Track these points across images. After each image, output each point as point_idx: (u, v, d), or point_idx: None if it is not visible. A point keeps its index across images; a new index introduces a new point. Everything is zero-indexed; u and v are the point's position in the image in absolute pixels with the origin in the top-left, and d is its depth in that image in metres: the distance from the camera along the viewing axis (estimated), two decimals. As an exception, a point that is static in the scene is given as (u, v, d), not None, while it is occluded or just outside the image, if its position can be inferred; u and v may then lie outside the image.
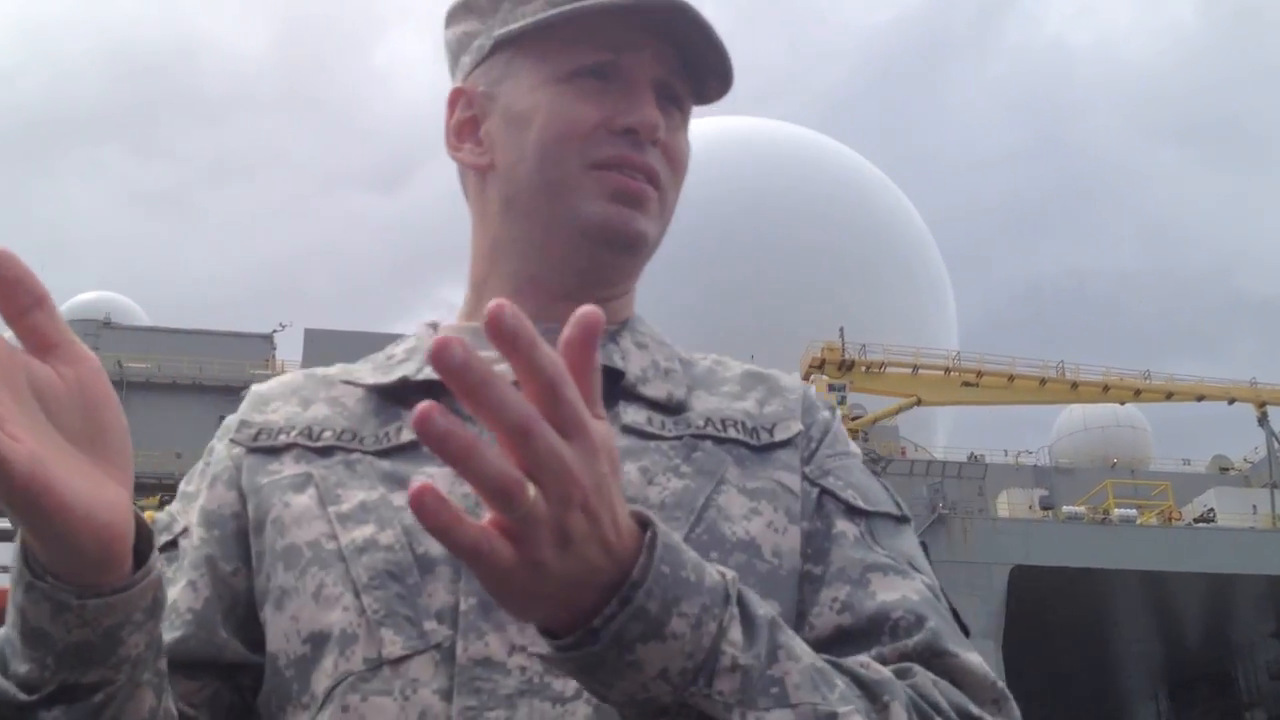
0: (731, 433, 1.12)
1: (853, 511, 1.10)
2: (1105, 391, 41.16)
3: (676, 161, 1.18)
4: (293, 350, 42.95)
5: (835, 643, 1.00)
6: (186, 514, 1.14)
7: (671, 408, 1.13)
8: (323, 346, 40.84)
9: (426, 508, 0.69)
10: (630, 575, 0.77)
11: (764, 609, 0.86)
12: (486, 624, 0.97)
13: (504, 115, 1.17)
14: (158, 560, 0.88)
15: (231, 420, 1.20)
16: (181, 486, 1.18)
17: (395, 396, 1.13)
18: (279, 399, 1.19)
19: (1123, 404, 42.67)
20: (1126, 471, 42.22)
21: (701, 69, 1.17)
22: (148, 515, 1.12)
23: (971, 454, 41.89)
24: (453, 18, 1.25)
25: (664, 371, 1.17)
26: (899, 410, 39.67)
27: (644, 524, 0.80)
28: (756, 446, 1.11)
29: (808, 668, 0.85)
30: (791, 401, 1.18)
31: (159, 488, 37.48)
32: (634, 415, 1.11)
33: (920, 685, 0.93)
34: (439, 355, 0.67)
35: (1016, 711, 0.99)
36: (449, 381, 0.68)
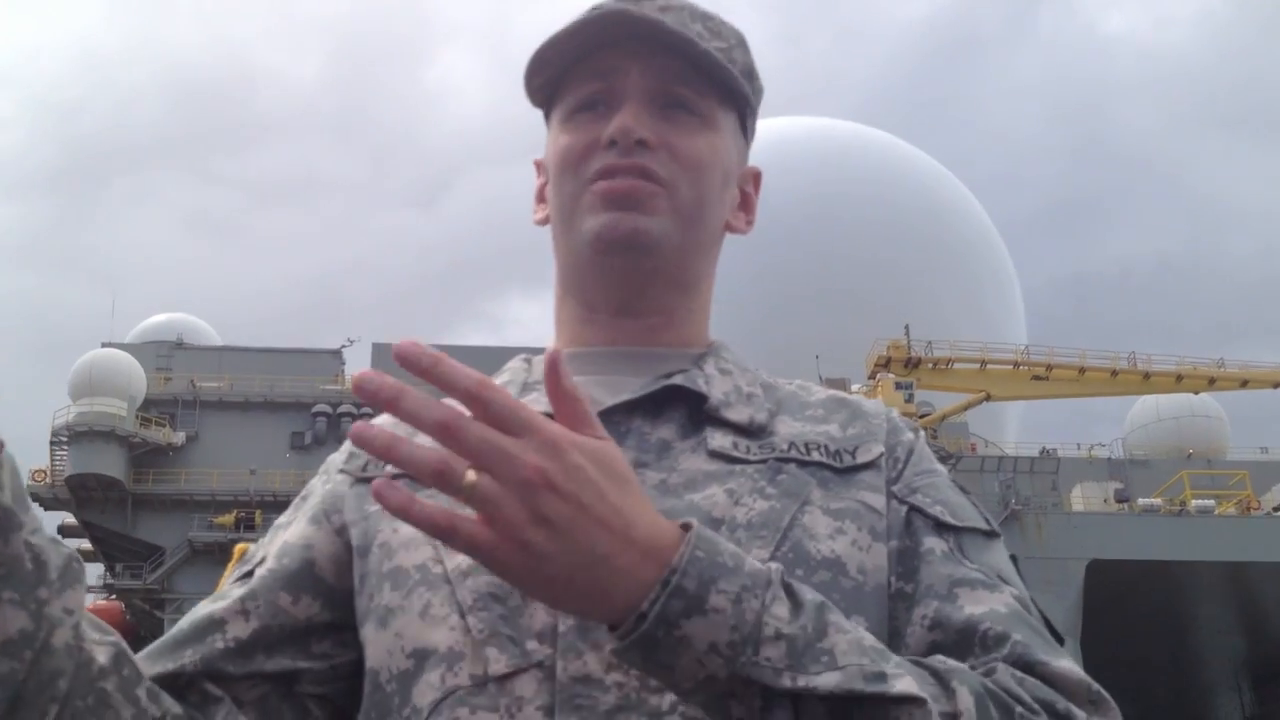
0: (815, 455, 1.15)
1: (941, 527, 1.12)
2: (1179, 381, 40.52)
3: (686, 160, 1.19)
4: (361, 365, 43.35)
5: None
6: (270, 545, 1.21)
7: (753, 431, 1.16)
8: (390, 361, 41.02)
9: (383, 495, 0.82)
10: (670, 564, 0.88)
11: (813, 595, 0.93)
12: (584, 643, 1.01)
13: (549, 170, 1.27)
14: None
15: (336, 458, 1.27)
16: (277, 520, 1.25)
17: None
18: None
19: (1197, 393, 41.98)
20: (1203, 462, 41.57)
21: (708, 66, 1.19)
22: (239, 548, 1.21)
23: (1043, 448, 41.41)
24: None
25: (746, 396, 1.20)
26: (968, 406, 39.31)
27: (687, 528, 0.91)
28: (839, 469, 1.15)
29: (857, 640, 0.92)
30: (874, 425, 1.21)
31: (234, 504, 37.98)
32: (720, 440, 1.14)
33: (1000, 679, 0.95)
34: (358, 388, 0.81)
35: (1117, 713, 1.00)
36: (373, 405, 0.83)
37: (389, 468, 1.05)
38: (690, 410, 1.17)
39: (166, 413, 39.57)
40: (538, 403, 1.15)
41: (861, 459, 1.16)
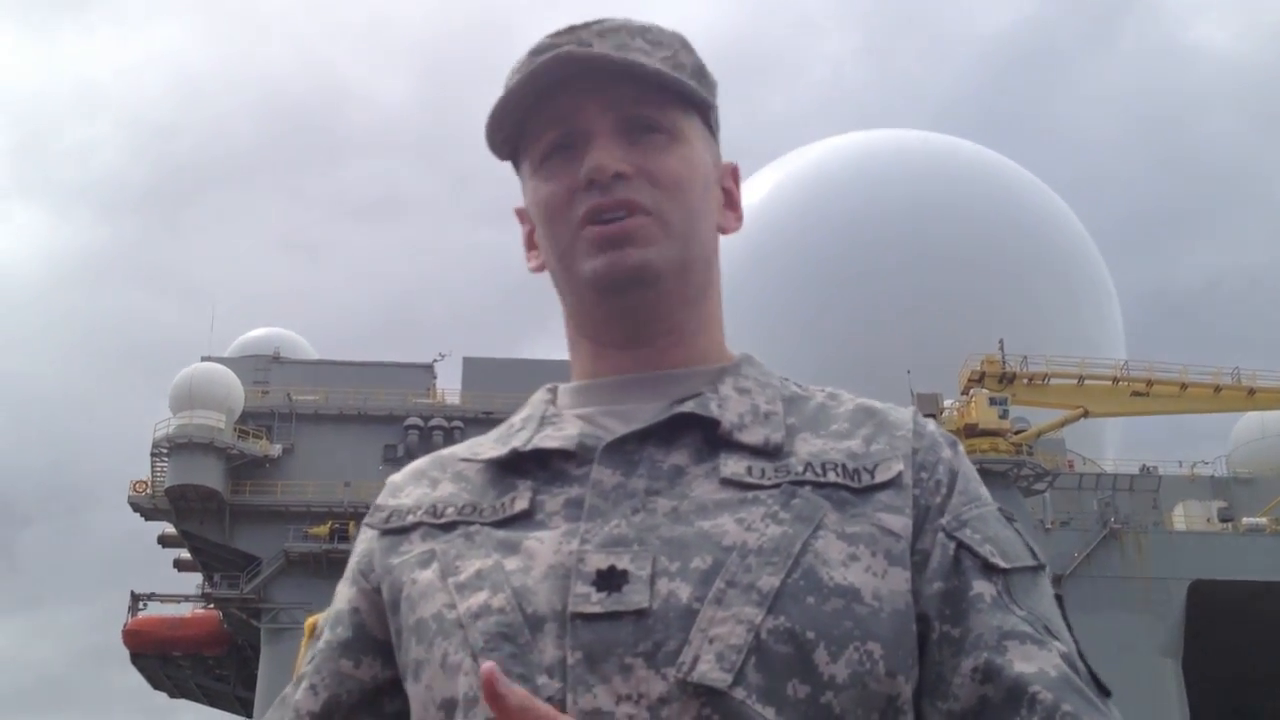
0: (831, 476, 1.13)
1: (989, 569, 1.12)
2: (1285, 397, 39.50)
3: (663, 181, 1.20)
4: (452, 378, 43.80)
5: (977, 714, 1.05)
6: (328, 615, 1.26)
7: (769, 452, 1.15)
8: (481, 374, 41.53)
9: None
10: None
11: None
12: (593, 676, 1.01)
13: (534, 219, 1.28)
14: None
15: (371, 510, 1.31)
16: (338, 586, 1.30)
17: (510, 467, 1.20)
18: (410, 484, 1.27)
19: (1304, 410, 40.87)
20: (1311, 480, 40.39)
21: (661, 83, 1.22)
22: (309, 622, 1.25)
23: (1143, 466, 40.62)
24: None
25: (763, 415, 1.19)
26: (1065, 423, 38.67)
27: None
28: (857, 489, 1.13)
29: None
30: (898, 439, 1.18)
31: (329, 515, 38.54)
32: (734, 466, 1.14)
33: None
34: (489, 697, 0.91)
35: None
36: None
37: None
38: (705, 434, 1.16)
39: (263, 425, 40.29)
40: (550, 439, 1.19)
41: (880, 478, 1.14)
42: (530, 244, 1.33)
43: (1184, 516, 37.61)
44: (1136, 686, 28.39)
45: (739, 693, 1.00)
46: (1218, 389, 39.11)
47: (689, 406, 1.17)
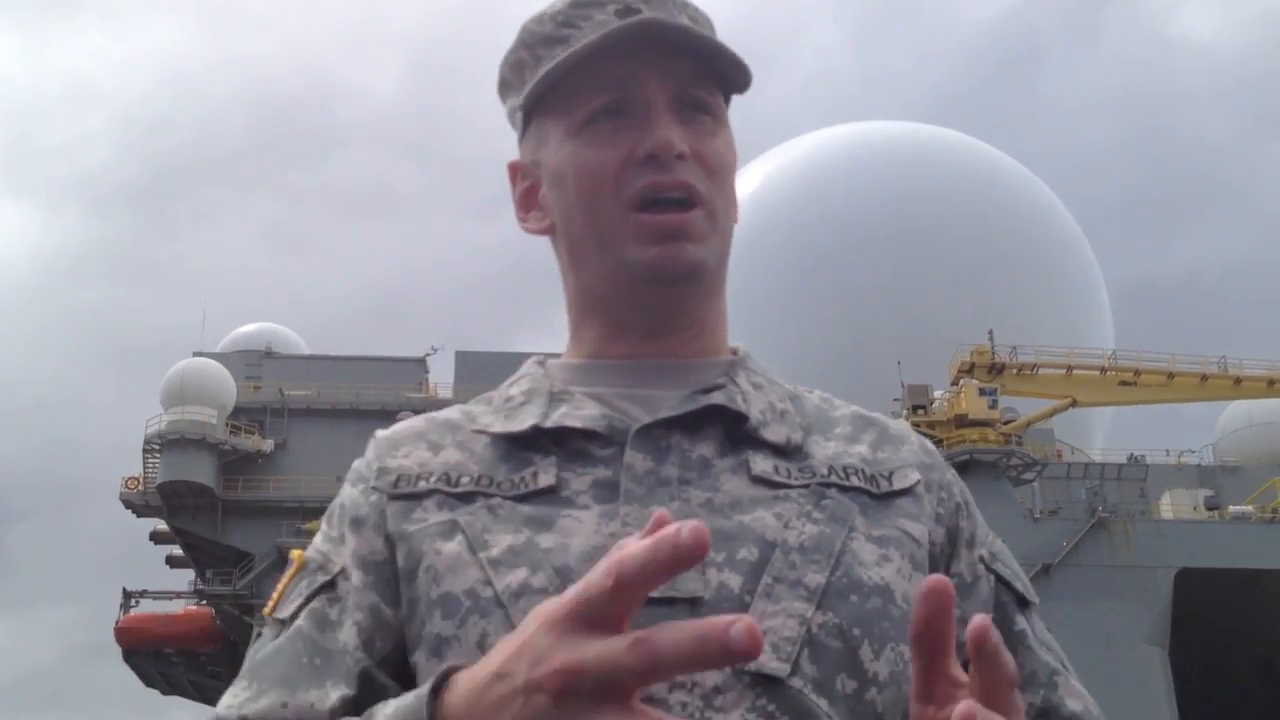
0: (854, 481, 1.14)
1: (1023, 603, 1.16)
2: (1270, 386, 39.65)
3: (712, 166, 1.17)
4: (445, 372, 43.77)
5: None
6: (339, 556, 1.15)
7: (790, 451, 1.15)
8: (473, 368, 41.43)
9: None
10: None
11: None
12: None
13: (549, 178, 1.21)
14: None
15: (361, 465, 1.21)
16: (323, 528, 1.20)
17: (524, 442, 1.15)
18: (407, 444, 1.20)
19: (1289, 398, 41.04)
20: (1296, 468, 40.58)
21: (720, 63, 1.18)
22: (295, 554, 1.19)
23: (1131, 455, 40.73)
24: (501, 97, 1.30)
25: (780, 413, 1.18)
26: (1053, 413, 38.77)
27: None
28: (877, 495, 1.13)
29: None
30: (905, 452, 1.20)
31: (320, 511, 38.25)
32: (762, 464, 1.13)
33: None
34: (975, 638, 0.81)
35: None
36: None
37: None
38: (727, 428, 1.15)
39: (255, 420, 40.19)
40: (572, 418, 1.14)
41: (898, 485, 1.15)
42: (528, 203, 1.26)
43: (1171, 505, 37.71)
44: (1124, 675, 28.52)
45: (796, 682, 1.00)
46: (1204, 378, 39.22)
47: (718, 399, 1.15)
